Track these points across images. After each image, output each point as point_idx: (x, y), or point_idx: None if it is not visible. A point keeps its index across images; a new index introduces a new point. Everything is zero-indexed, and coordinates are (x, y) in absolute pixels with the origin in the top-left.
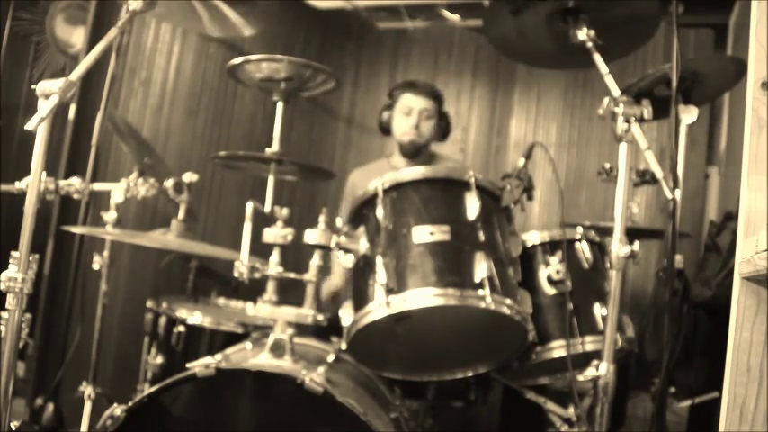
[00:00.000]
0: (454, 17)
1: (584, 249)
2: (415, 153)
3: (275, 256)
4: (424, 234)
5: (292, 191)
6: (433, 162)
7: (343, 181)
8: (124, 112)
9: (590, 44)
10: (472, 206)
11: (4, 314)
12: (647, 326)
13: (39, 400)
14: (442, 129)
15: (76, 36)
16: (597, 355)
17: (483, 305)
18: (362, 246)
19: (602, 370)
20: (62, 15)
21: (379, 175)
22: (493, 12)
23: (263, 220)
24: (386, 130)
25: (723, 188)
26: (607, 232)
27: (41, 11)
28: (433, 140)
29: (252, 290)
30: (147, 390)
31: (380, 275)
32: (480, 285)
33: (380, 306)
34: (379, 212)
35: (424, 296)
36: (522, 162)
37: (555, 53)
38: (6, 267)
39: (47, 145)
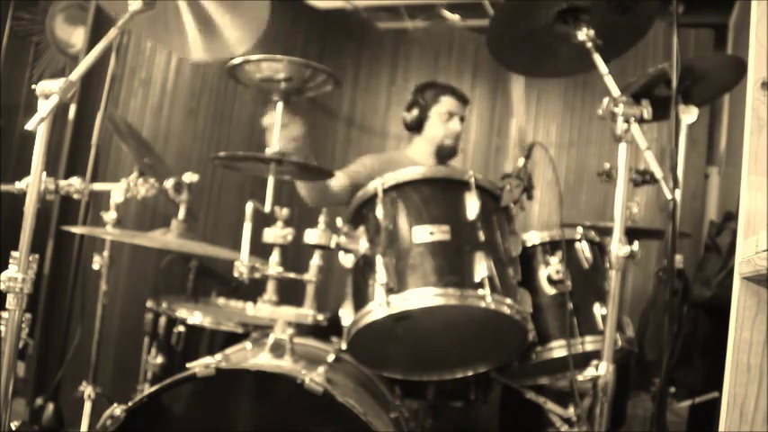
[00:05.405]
0: (454, 17)
1: (584, 249)
2: (451, 156)
3: (275, 256)
4: (424, 234)
5: (292, 191)
6: None
7: None
8: (124, 112)
9: (590, 44)
10: (472, 206)
11: (4, 314)
12: (647, 326)
13: (39, 400)
14: None
15: (76, 36)
16: (597, 355)
17: (483, 305)
18: (362, 246)
19: (602, 370)
20: (62, 15)
21: (399, 167)
22: (496, 25)
23: (263, 220)
24: (414, 127)
25: (723, 188)
26: (607, 232)
27: (41, 11)
28: None
29: (252, 290)
30: (147, 390)
31: (380, 275)
32: (480, 285)
33: (380, 306)
34: (379, 212)
35: (424, 296)
36: (521, 162)
37: (558, 62)
38: (6, 267)
39: (47, 145)
